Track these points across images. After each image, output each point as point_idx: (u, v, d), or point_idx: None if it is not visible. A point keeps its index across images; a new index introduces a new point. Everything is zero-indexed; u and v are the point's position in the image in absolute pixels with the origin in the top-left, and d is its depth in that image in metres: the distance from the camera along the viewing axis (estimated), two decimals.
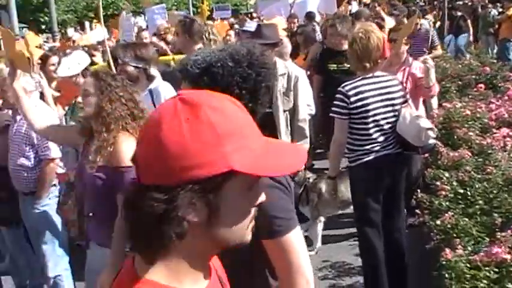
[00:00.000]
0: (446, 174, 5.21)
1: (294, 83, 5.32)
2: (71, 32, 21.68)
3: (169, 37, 10.29)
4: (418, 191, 5.09)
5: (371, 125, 4.42)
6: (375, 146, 4.46)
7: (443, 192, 4.92)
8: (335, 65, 7.08)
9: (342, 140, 4.49)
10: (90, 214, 3.46)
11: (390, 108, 4.47)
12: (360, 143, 4.47)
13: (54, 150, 4.74)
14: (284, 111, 5.31)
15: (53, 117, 4.78)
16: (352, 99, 4.36)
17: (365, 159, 4.47)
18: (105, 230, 3.37)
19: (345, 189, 5.83)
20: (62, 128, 4.22)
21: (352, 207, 5.80)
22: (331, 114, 4.50)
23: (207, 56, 2.08)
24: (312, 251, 5.91)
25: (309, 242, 5.97)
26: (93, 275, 3.66)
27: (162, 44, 10.00)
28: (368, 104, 4.39)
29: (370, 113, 4.40)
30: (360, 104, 4.37)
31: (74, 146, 4.65)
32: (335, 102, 4.46)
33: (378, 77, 4.51)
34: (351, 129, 4.47)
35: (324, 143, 7.36)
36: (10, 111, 4.92)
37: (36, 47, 6.17)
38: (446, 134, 6.31)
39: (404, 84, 5.59)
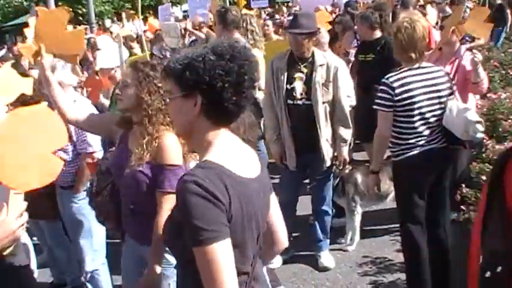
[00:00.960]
0: None
1: (334, 73, 5.19)
2: (108, 23, 21.81)
3: (204, 30, 10.23)
4: (463, 185, 4.95)
5: (416, 118, 4.27)
6: (420, 140, 4.31)
7: None
8: (363, 56, 6.98)
9: (386, 134, 4.35)
10: (131, 207, 3.38)
11: (436, 101, 4.31)
12: (405, 136, 4.33)
13: (93, 144, 4.70)
14: (323, 102, 5.18)
15: (91, 109, 4.74)
16: (397, 91, 4.22)
17: (410, 154, 4.33)
18: (143, 226, 3.32)
19: (381, 182, 5.73)
20: (97, 117, 4.12)
21: (389, 200, 5.75)
22: (374, 107, 4.37)
23: (189, 53, 2.08)
24: (350, 245, 5.82)
25: (344, 234, 5.88)
26: (128, 269, 3.66)
27: (200, 34, 9.94)
28: (414, 96, 4.24)
29: (416, 106, 4.25)
30: (405, 96, 4.23)
31: (107, 137, 4.61)
32: (378, 94, 4.33)
33: (424, 67, 4.36)
34: (395, 122, 4.33)
35: (358, 134, 7.23)
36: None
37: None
38: (491, 126, 6.11)
39: (452, 76, 5.42)
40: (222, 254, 1.87)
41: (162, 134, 3.25)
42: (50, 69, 3.91)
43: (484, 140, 5.59)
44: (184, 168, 3.24)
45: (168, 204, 3.09)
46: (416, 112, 4.26)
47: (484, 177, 4.96)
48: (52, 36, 3.83)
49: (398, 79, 4.26)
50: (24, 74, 4.90)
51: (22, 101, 4.90)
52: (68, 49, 3.93)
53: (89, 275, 4.81)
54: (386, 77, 4.34)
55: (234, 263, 1.93)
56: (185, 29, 10.21)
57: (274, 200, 2.35)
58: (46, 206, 4.84)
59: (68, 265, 5.31)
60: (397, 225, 5.85)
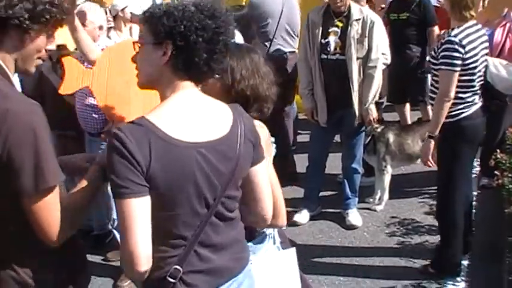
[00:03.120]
0: None
1: (370, 28, 5.07)
2: None
3: None
4: (498, 150, 4.83)
5: (476, 77, 4.20)
6: (475, 98, 4.26)
7: None
8: (396, 15, 6.80)
9: (450, 94, 4.14)
10: None
11: (485, 58, 4.28)
12: (465, 95, 4.21)
13: None
14: (357, 58, 5.07)
15: None
16: (467, 48, 4.09)
17: (468, 112, 4.24)
18: None
19: (411, 143, 5.65)
20: None
21: (418, 162, 5.63)
22: (437, 66, 4.18)
23: (172, 2, 2.07)
24: (379, 204, 5.77)
25: (372, 194, 5.83)
26: None
27: None
28: (477, 54, 4.16)
29: (478, 63, 4.18)
30: (472, 53, 4.12)
31: None
32: (444, 53, 4.12)
33: (476, 25, 4.27)
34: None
35: (389, 95, 7.09)
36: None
37: None
38: None
39: (503, 41, 5.30)
40: (132, 210, 1.87)
41: None
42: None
43: None
44: None
45: None
46: (477, 70, 4.18)
47: None
48: None
49: (466, 36, 4.12)
50: None
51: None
52: None
53: (116, 222, 4.84)
54: (453, 34, 4.15)
55: (165, 223, 1.96)
56: None
57: (261, 171, 2.25)
58: (76, 147, 4.86)
59: (95, 211, 5.35)
60: (426, 187, 5.82)
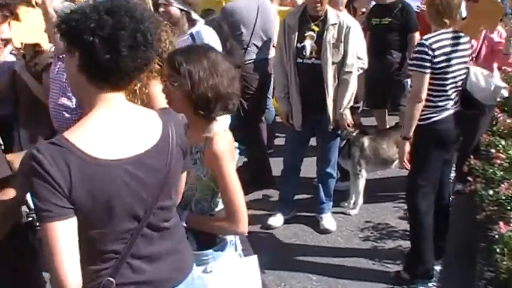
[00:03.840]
0: (503, 142, 4.96)
1: (346, 33, 5.06)
2: None
3: None
4: (471, 157, 4.87)
5: (448, 82, 4.23)
6: (448, 103, 4.29)
7: (498, 161, 4.69)
8: (378, 20, 6.80)
9: (421, 96, 4.20)
10: None
11: (463, 66, 4.31)
12: (436, 99, 4.25)
13: None
14: (333, 63, 5.07)
15: None
16: (437, 52, 4.15)
17: (439, 117, 4.27)
18: None
19: (386, 147, 5.68)
20: None
21: (394, 167, 5.68)
22: (410, 68, 4.32)
23: (73, 8, 1.97)
24: (353, 209, 5.78)
25: (347, 198, 5.84)
26: None
27: None
28: (449, 59, 4.20)
29: (450, 69, 4.21)
30: (443, 58, 4.17)
31: None
32: (415, 55, 4.22)
33: (455, 32, 4.32)
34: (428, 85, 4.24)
35: (368, 99, 7.12)
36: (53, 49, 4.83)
37: None
38: (503, 99, 5.99)
39: (479, 48, 5.36)
40: (57, 234, 1.80)
41: (151, 82, 3.17)
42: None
43: (496, 113, 5.52)
44: None
45: None
46: (449, 76, 4.22)
47: (493, 150, 4.88)
48: None
49: (437, 41, 4.19)
50: None
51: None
52: None
53: None
54: (424, 38, 4.29)
55: (94, 241, 1.91)
56: None
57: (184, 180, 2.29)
58: None
59: None
60: (401, 192, 5.83)
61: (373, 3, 7.14)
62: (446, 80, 4.21)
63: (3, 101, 4.94)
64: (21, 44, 4.68)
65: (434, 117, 4.26)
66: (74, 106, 4.58)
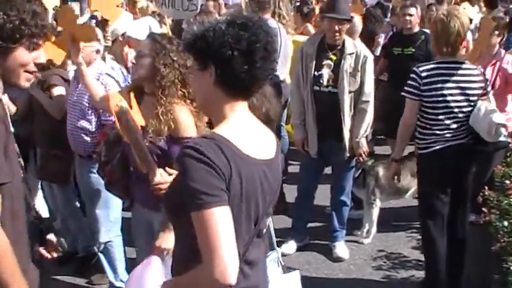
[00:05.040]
0: None
1: (362, 63, 5.14)
2: None
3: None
4: (486, 188, 4.86)
5: (442, 111, 4.28)
6: (447, 133, 4.30)
7: None
8: (400, 49, 6.85)
9: (410, 121, 4.37)
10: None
11: (465, 97, 4.30)
12: (431, 127, 4.31)
13: None
14: (350, 92, 5.12)
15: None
16: (425, 80, 4.24)
17: (436, 147, 4.31)
18: (150, 192, 3.34)
19: (400, 177, 5.68)
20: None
21: (408, 196, 5.70)
22: (402, 93, 4.39)
23: (204, 25, 2.10)
24: (366, 238, 5.77)
25: (360, 226, 5.83)
26: (138, 234, 3.78)
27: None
28: (441, 89, 4.24)
29: (442, 98, 4.25)
30: (432, 86, 4.24)
31: None
32: (408, 82, 4.35)
33: (456, 63, 4.33)
34: (422, 113, 4.33)
35: (384, 128, 7.14)
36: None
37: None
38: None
39: (493, 79, 5.37)
40: (221, 219, 1.84)
41: (174, 107, 3.26)
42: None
43: (510, 145, 5.52)
44: None
45: None
46: (442, 105, 4.26)
47: (507, 182, 4.87)
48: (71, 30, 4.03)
49: (428, 69, 4.27)
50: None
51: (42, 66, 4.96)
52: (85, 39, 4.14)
53: (102, 246, 4.81)
54: (417, 65, 4.40)
55: None
56: None
57: None
58: (59, 167, 4.96)
59: (80, 233, 5.34)
60: (415, 222, 5.83)
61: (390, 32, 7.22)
62: (439, 109, 4.26)
63: (23, 122, 4.99)
64: None
65: (433, 146, 4.31)
66: (94, 129, 4.64)
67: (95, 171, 4.67)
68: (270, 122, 2.57)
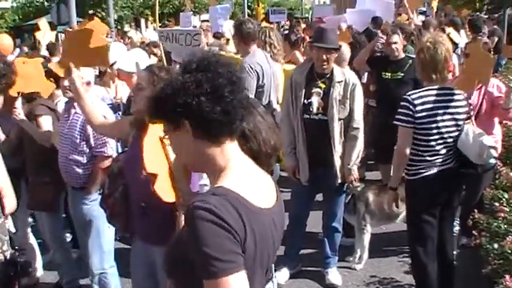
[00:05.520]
0: (506, 195, 5.03)
1: (351, 90, 5.20)
2: (126, 28, 21.97)
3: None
4: (475, 211, 4.93)
5: (435, 137, 4.32)
6: (437, 159, 4.35)
7: (502, 214, 4.75)
8: (389, 74, 6.93)
9: (405, 149, 4.36)
10: (143, 205, 3.45)
11: (454, 122, 4.37)
12: (422, 154, 4.35)
13: (111, 147, 4.71)
14: (339, 119, 5.19)
15: (108, 112, 4.75)
16: (418, 108, 4.27)
17: (427, 173, 4.36)
18: (152, 225, 3.40)
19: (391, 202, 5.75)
20: (117, 122, 4.24)
21: (399, 221, 5.74)
22: (394, 122, 4.42)
23: (160, 85, 2.02)
24: (359, 263, 5.79)
25: (352, 252, 5.85)
26: (137, 270, 3.74)
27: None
28: (433, 115, 4.30)
29: (434, 125, 4.30)
30: (425, 114, 4.28)
31: (120, 139, 4.67)
32: (399, 110, 4.38)
33: (444, 89, 4.40)
34: (413, 140, 4.36)
35: (374, 154, 7.21)
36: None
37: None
38: (505, 153, 6.09)
39: (479, 103, 5.46)
40: (237, 286, 1.72)
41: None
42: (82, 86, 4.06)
43: (498, 167, 5.60)
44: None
45: None
46: (434, 131, 4.30)
47: (497, 204, 4.95)
48: (78, 53, 4.03)
49: (420, 97, 4.31)
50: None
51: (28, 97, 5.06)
52: (94, 63, 4.08)
53: (96, 278, 4.80)
54: (408, 93, 4.42)
55: None
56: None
57: None
58: (47, 194, 4.97)
59: (65, 266, 5.32)
60: (406, 246, 5.85)
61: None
62: (431, 136, 4.31)
63: (15, 153, 5.02)
64: (18, 93, 4.80)
65: (423, 172, 4.36)
66: (86, 161, 4.67)
67: (87, 202, 4.72)
68: (276, 153, 2.50)
